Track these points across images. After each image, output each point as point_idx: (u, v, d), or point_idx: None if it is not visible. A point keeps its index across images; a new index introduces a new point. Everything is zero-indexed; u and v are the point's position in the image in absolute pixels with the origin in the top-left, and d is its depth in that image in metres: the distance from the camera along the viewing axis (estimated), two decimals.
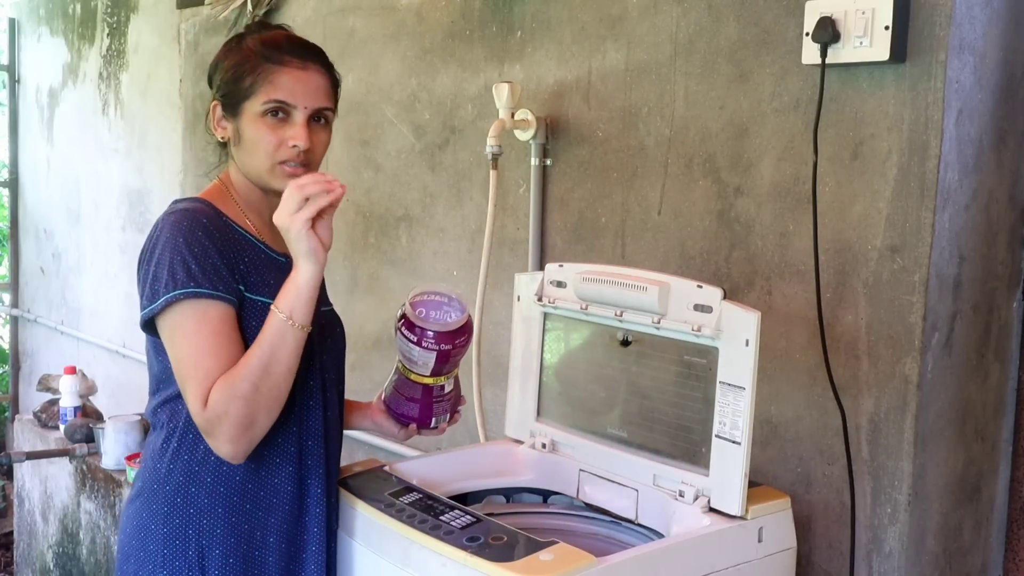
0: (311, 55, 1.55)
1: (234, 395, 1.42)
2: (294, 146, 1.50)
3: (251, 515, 1.53)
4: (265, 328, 1.45)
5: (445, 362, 1.60)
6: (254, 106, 1.50)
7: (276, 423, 1.48)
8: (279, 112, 1.50)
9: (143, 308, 1.48)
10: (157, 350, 1.54)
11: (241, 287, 1.49)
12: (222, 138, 1.57)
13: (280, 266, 1.56)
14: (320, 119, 1.55)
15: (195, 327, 1.44)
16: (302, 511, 1.57)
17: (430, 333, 1.57)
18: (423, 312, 1.59)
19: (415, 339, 1.57)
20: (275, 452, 1.54)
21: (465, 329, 1.61)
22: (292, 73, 1.51)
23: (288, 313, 1.44)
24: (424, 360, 1.59)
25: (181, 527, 1.51)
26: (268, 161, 1.52)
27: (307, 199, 1.42)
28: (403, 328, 1.59)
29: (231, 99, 1.53)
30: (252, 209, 1.59)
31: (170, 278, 1.43)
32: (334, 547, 1.62)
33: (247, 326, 1.48)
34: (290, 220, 1.43)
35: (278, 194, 1.56)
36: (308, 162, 1.53)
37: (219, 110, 1.56)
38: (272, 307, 1.45)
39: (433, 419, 1.67)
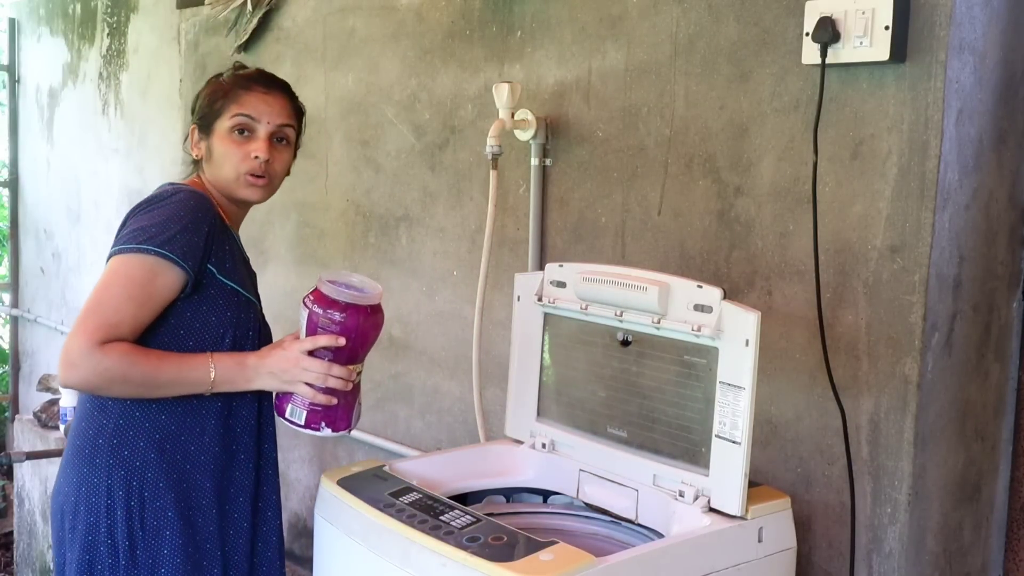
0: (277, 83, 1.78)
1: (125, 372, 1.56)
2: (256, 157, 1.70)
3: (183, 455, 1.67)
4: (192, 366, 1.62)
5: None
6: (223, 123, 1.72)
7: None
8: (244, 130, 1.71)
9: (115, 244, 1.61)
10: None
11: (214, 269, 1.66)
12: (196, 156, 1.77)
13: (246, 261, 1.81)
14: (282, 140, 1.76)
15: (140, 280, 1.58)
16: (229, 448, 1.72)
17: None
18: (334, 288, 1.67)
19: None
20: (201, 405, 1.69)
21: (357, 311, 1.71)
22: (257, 95, 1.74)
23: (216, 383, 1.62)
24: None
25: (124, 478, 1.64)
26: (234, 172, 1.72)
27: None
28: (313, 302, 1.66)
29: (205, 120, 1.75)
30: (225, 211, 1.77)
31: (156, 234, 1.58)
32: (270, 472, 1.78)
33: (213, 303, 1.67)
34: (300, 383, 1.63)
35: (241, 203, 1.79)
36: (269, 175, 1.73)
37: (196, 132, 1.77)
38: (211, 360, 1.62)
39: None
